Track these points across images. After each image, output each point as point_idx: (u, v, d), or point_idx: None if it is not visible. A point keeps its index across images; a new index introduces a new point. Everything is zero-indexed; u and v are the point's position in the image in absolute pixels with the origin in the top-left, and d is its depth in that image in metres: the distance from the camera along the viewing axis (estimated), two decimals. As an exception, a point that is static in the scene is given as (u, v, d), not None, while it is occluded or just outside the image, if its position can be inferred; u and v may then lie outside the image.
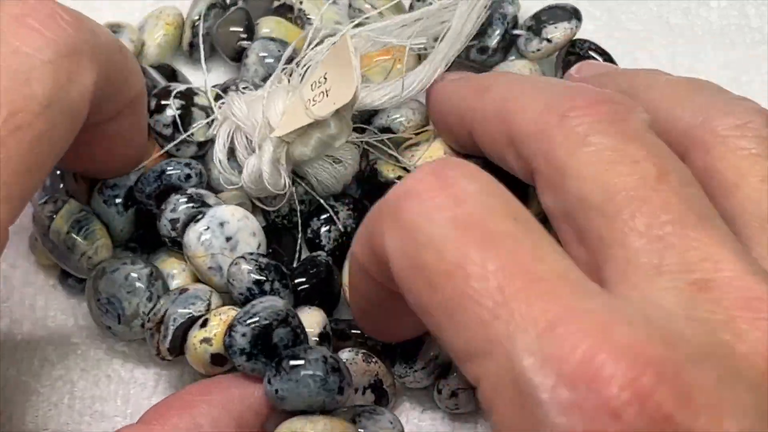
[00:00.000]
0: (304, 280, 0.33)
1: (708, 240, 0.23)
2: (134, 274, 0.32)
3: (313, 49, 0.34)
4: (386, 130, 0.35)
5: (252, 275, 0.32)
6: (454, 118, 0.32)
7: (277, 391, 0.30)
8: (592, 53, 0.37)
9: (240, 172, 0.33)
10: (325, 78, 0.32)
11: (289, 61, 0.34)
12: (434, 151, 0.35)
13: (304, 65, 0.34)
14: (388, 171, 0.35)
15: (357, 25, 0.34)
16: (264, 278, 0.32)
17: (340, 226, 0.34)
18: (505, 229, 0.22)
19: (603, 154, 0.25)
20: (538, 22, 0.37)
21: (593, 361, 0.20)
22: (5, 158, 0.23)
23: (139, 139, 0.33)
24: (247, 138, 0.33)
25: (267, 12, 0.39)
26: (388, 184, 0.35)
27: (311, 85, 0.32)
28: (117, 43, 0.29)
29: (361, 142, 0.35)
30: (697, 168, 0.27)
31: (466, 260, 0.22)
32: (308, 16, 0.38)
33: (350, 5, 0.38)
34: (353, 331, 0.33)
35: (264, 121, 0.32)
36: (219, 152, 0.34)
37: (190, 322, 0.31)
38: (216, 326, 0.31)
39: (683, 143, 0.28)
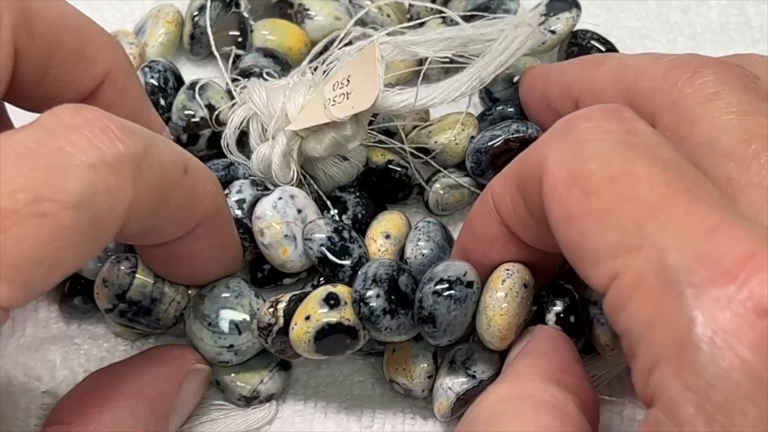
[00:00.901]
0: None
1: None
2: (232, 281, 0.32)
3: (341, 48, 0.34)
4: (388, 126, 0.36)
5: (329, 227, 0.32)
6: (558, 92, 0.33)
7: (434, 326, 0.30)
8: (594, 43, 0.37)
9: (248, 156, 0.34)
10: (348, 80, 0.32)
11: (317, 56, 0.35)
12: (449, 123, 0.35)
13: (330, 63, 0.34)
14: (377, 157, 0.35)
15: (389, 34, 0.34)
16: (341, 228, 0.32)
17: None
18: (673, 158, 0.24)
19: (738, 107, 0.26)
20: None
21: (749, 262, 0.21)
22: (19, 239, 0.23)
23: (223, 256, 0.32)
24: (262, 126, 0.34)
25: (267, 7, 0.39)
26: (378, 170, 0.35)
27: (333, 85, 0.32)
28: (179, 165, 0.27)
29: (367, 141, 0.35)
30: None
31: (632, 170, 0.23)
32: (308, 11, 0.38)
33: (350, 0, 0.38)
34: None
35: (282, 112, 0.33)
36: (230, 135, 0.34)
37: None
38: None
39: None
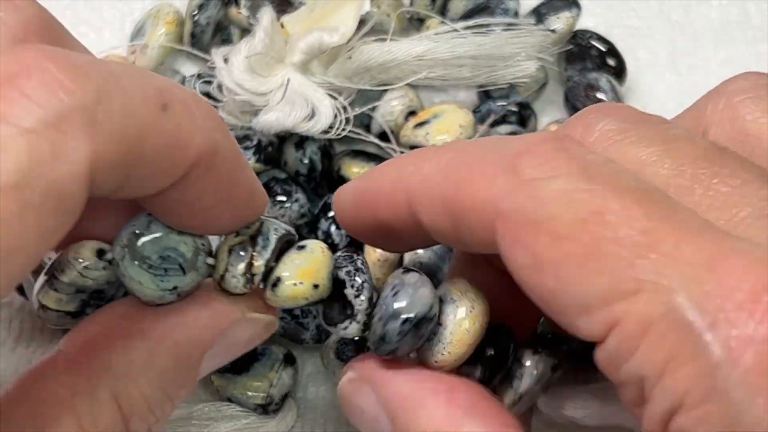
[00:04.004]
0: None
1: None
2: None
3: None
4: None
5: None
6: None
7: None
8: (594, 43, 0.37)
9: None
10: None
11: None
12: (447, 125, 0.35)
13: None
14: (350, 173, 0.35)
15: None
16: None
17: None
18: (637, 184, 0.22)
19: (653, 139, 0.25)
20: (539, 15, 0.38)
21: (763, 294, 0.20)
22: None
23: (236, 199, 0.26)
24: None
25: (267, 5, 0.39)
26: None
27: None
28: (153, 103, 0.23)
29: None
30: None
31: (605, 207, 0.21)
32: (306, 9, 0.38)
33: (350, -1, 0.38)
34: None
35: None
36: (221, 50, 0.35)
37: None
38: None
39: None
